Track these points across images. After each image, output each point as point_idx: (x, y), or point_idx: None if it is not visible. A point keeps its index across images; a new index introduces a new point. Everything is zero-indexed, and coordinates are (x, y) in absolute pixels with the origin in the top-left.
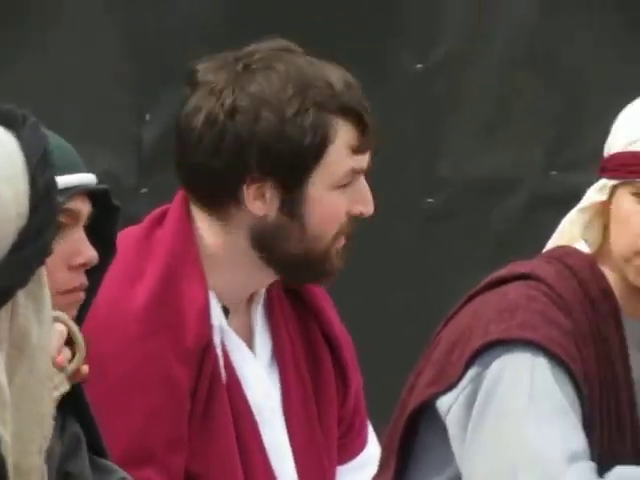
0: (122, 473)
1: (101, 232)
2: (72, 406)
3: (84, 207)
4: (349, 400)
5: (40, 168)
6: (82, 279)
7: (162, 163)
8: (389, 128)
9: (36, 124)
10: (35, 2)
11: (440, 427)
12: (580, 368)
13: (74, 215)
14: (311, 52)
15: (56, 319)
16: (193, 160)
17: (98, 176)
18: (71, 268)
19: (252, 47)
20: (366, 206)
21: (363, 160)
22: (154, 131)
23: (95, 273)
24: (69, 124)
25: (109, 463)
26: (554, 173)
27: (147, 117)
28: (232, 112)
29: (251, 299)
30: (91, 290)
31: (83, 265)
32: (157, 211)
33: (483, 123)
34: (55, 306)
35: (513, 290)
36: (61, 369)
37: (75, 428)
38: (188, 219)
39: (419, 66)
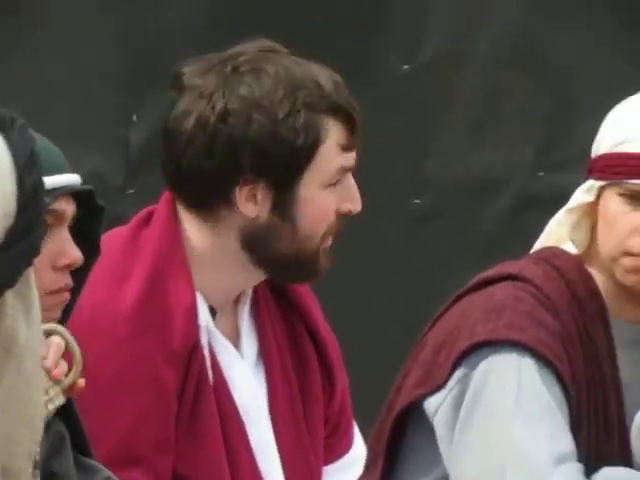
0: (107, 472)
1: (85, 232)
2: None
3: (69, 207)
4: (335, 399)
5: (28, 169)
6: (67, 280)
7: (149, 164)
8: (376, 129)
9: (24, 126)
10: (23, 3)
11: (427, 428)
12: (567, 369)
13: (59, 215)
14: (298, 53)
15: (54, 332)
16: (182, 163)
17: (85, 176)
18: (56, 269)
19: (237, 49)
20: (354, 204)
21: (351, 158)
22: (141, 132)
23: (79, 273)
24: (57, 124)
25: (94, 462)
26: (542, 174)
27: (134, 118)
28: (224, 115)
29: (238, 299)
30: (75, 290)
31: (68, 266)
32: (144, 211)
33: (470, 124)
34: (40, 307)
35: (500, 291)
36: (57, 382)
37: (59, 427)
38: (175, 220)
39: (406, 67)
